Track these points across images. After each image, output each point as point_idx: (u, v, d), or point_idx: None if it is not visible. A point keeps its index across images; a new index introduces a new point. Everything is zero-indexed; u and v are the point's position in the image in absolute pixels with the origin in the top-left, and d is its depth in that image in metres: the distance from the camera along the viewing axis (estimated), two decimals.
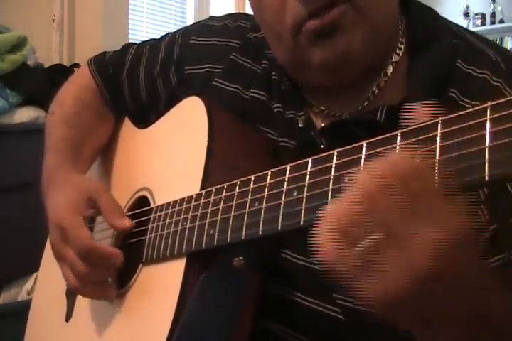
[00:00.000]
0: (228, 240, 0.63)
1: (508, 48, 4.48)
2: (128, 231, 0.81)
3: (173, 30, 0.98)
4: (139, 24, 3.26)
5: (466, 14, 4.83)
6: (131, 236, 0.84)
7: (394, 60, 0.74)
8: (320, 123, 0.76)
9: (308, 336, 0.70)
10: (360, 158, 0.50)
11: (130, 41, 1.13)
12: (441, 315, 0.46)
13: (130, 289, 0.80)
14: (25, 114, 1.95)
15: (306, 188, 0.55)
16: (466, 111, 0.43)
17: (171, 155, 0.83)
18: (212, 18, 0.95)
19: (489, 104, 0.42)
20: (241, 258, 0.66)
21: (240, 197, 0.63)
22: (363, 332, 0.67)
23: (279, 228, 0.57)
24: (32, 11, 2.55)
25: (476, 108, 0.43)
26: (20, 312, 1.10)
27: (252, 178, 0.63)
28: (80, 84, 1.03)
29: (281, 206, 0.57)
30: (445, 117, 0.44)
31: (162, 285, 0.73)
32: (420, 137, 0.45)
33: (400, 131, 0.48)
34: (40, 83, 2.01)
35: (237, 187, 0.64)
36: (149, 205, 0.82)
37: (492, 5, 4.77)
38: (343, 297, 0.68)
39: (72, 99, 1.01)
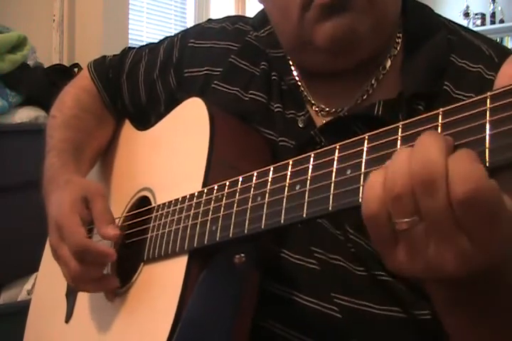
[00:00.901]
0: (231, 235, 0.63)
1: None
2: (114, 240, 0.80)
3: (173, 31, 0.99)
4: (139, 24, 3.25)
5: (466, 14, 4.83)
6: (132, 236, 0.84)
7: (392, 53, 0.75)
8: (320, 122, 0.76)
9: (307, 335, 0.70)
10: (362, 150, 0.50)
11: (130, 41, 1.13)
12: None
13: (131, 288, 0.79)
14: (25, 114, 1.95)
15: (308, 182, 0.55)
16: (468, 101, 0.44)
17: (172, 155, 0.83)
18: (210, 20, 0.96)
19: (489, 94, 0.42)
20: (242, 255, 0.65)
21: (243, 193, 0.64)
22: (361, 331, 0.68)
23: (282, 222, 0.57)
24: (32, 11, 2.55)
25: (478, 97, 0.43)
26: (20, 312, 1.10)
27: (255, 174, 0.63)
28: (80, 88, 1.04)
29: (284, 200, 0.57)
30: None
31: (163, 283, 0.73)
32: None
33: (401, 123, 0.48)
34: (40, 83, 2.02)
35: (240, 183, 0.65)
36: (151, 205, 0.82)
37: (492, 5, 4.76)
38: (341, 296, 0.68)
39: (73, 102, 1.02)
